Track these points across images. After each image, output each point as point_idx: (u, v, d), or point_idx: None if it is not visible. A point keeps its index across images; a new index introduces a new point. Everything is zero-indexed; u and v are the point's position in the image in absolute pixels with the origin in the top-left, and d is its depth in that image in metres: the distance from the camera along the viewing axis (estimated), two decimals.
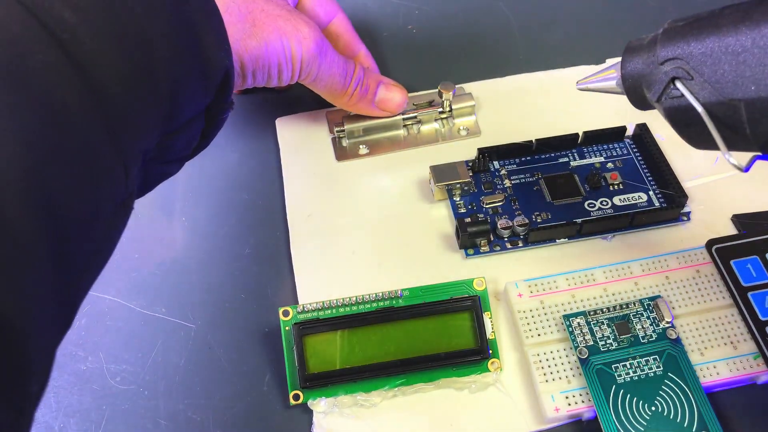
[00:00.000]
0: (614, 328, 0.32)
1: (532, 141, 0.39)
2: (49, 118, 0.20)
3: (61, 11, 0.21)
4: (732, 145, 0.26)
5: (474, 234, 0.35)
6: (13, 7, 0.20)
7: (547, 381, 0.31)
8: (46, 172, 0.20)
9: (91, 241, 0.22)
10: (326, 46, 0.36)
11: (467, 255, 0.36)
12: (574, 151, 0.39)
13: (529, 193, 0.38)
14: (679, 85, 0.26)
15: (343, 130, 0.41)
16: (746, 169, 0.27)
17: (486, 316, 0.33)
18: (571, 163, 0.39)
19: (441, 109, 0.41)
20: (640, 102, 0.29)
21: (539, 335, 0.32)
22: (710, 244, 0.34)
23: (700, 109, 0.26)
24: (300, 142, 0.42)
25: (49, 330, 0.21)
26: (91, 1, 0.22)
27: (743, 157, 0.27)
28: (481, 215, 0.37)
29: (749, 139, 0.26)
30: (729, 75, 0.25)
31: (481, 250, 0.36)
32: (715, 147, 0.27)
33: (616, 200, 0.37)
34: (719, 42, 0.25)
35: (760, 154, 0.27)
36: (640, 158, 0.39)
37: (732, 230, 0.36)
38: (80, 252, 0.22)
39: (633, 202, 0.37)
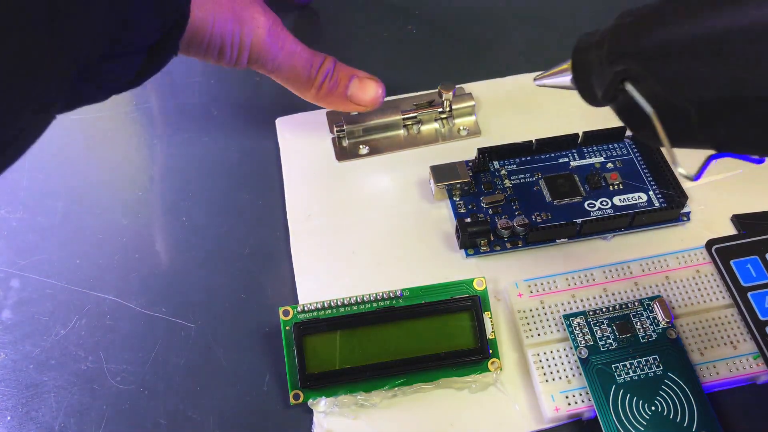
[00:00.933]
0: (614, 327, 0.32)
1: (532, 141, 0.39)
2: None
3: None
4: (687, 144, 0.25)
5: (474, 234, 0.35)
6: None
7: (547, 381, 0.31)
8: None
9: (4, 131, 0.20)
10: (284, 37, 0.35)
11: (467, 255, 0.36)
12: (574, 151, 0.39)
13: (529, 193, 0.38)
14: (628, 86, 0.24)
15: (343, 130, 0.41)
16: (697, 177, 0.25)
17: (486, 316, 0.33)
18: (571, 163, 0.39)
19: (441, 109, 0.41)
20: (594, 101, 0.27)
21: (539, 335, 0.32)
22: (710, 244, 0.34)
23: (649, 110, 0.24)
24: (300, 142, 0.42)
25: None
26: None
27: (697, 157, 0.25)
28: (481, 215, 0.37)
29: (702, 140, 0.24)
30: (681, 74, 0.23)
31: (481, 250, 0.36)
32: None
33: (616, 200, 0.37)
34: (670, 38, 0.23)
35: (714, 153, 0.25)
36: (640, 158, 0.39)
37: (732, 230, 0.36)
38: None
39: (633, 202, 0.37)
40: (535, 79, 0.31)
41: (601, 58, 0.25)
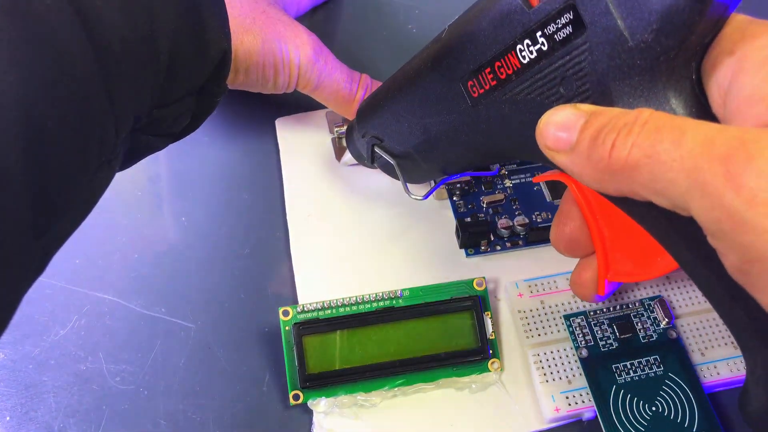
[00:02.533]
0: (615, 328, 0.32)
1: None
2: (48, 56, 0.20)
3: None
4: (427, 177, 0.34)
5: (474, 234, 0.35)
6: None
7: (547, 381, 0.31)
8: (38, 107, 0.20)
9: (71, 188, 0.22)
10: (326, 53, 0.37)
11: (467, 255, 0.36)
12: None
13: (529, 193, 0.38)
14: (377, 149, 0.33)
15: (343, 131, 0.41)
16: (425, 197, 0.34)
17: (486, 316, 0.33)
18: None
19: None
20: (368, 165, 0.35)
21: (539, 335, 0.32)
22: None
23: (392, 162, 0.33)
24: (300, 142, 0.41)
25: (19, 269, 0.21)
26: None
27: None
28: (481, 215, 0.37)
29: (432, 172, 0.33)
30: (396, 132, 0.31)
31: (481, 250, 0.36)
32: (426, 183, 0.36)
33: None
34: (380, 111, 0.32)
35: (444, 177, 0.34)
36: None
37: None
38: (59, 196, 0.22)
39: None
40: (341, 164, 0.39)
41: (358, 135, 0.34)
